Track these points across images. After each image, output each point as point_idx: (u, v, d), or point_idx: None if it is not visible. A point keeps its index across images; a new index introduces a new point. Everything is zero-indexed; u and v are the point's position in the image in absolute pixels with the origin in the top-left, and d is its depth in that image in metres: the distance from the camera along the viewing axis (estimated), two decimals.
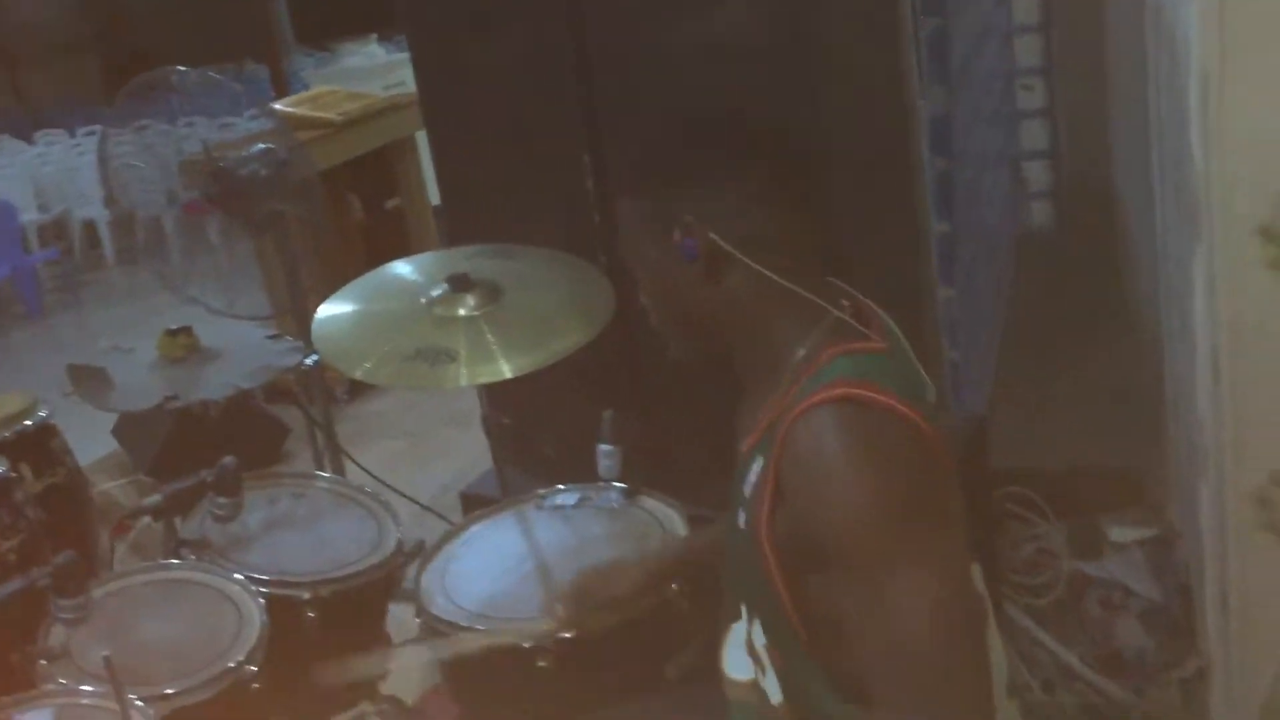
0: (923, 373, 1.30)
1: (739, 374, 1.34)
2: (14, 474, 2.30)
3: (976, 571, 1.28)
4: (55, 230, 7.28)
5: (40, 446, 2.53)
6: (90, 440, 3.39)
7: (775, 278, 1.22)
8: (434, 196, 5.06)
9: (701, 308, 1.27)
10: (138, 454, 3.69)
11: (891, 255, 2.54)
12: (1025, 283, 4.14)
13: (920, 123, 2.67)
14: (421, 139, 5.12)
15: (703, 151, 1.26)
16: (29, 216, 7.01)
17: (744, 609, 1.32)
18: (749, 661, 1.32)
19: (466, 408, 4.06)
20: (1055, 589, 2.68)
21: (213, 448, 1.95)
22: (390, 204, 4.86)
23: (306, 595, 1.83)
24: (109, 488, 3.44)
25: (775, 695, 1.29)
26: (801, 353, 1.23)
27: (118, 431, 3.77)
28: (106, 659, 1.07)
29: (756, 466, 1.24)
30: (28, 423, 2.51)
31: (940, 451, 1.20)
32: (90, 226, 7.23)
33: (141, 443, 3.67)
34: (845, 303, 1.28)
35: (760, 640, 1.29)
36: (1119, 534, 2.88)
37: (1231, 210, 1.27)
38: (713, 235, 1.22)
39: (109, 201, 6.96)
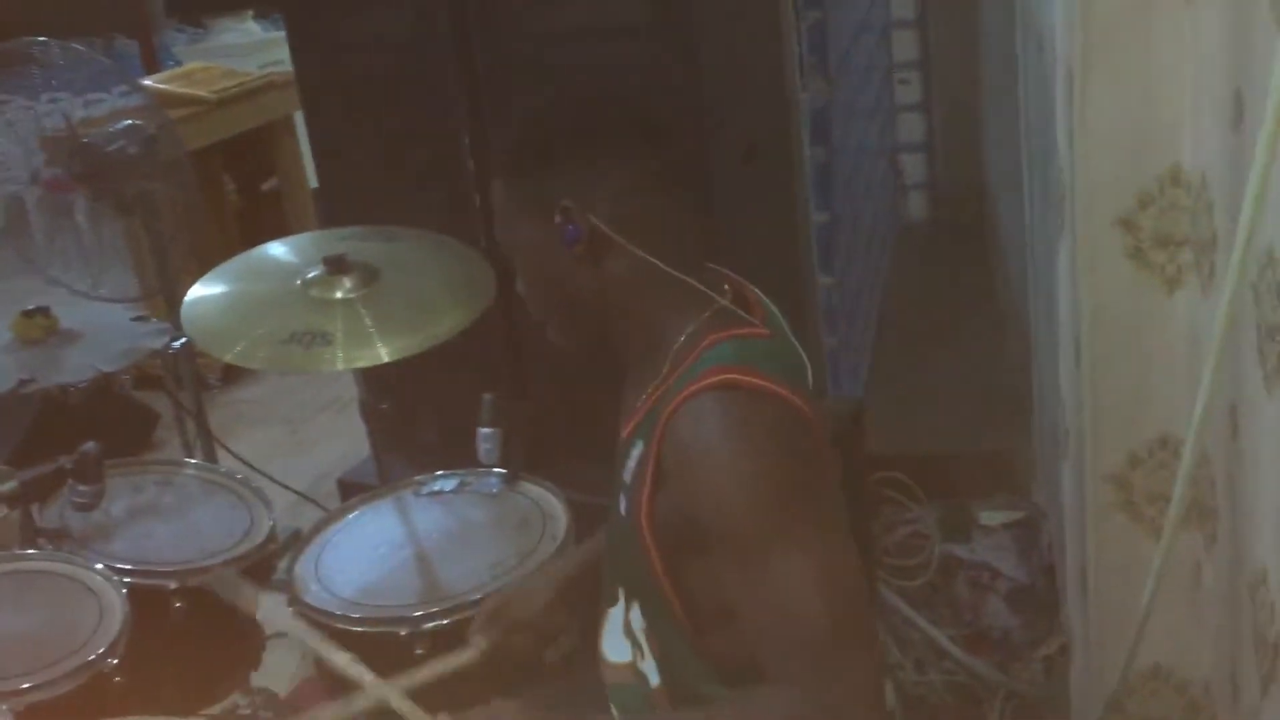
0: (803, 355, 1.32)
1: (619, 359, 1.34)
2: None
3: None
4: None
5: None
6: None
7: (658, 263, 1.22)
8: (313, 179, 4.97)
9: (581, 293, 1.25)
10: None
11: (772, 244, 2.58)
12: (901, 272, 4.25)
13: (801, 114, 2.71)
14: (300, 119, 5.01)
15: (584, 132, 1.24)
16: None
17: (621, 593, 1.32)
18: (627, 644, 1.32)
19: (345, 394, 3.98)
20: (927, 571, 2.75)
21: (78, 436, 1.87)
22: (267, 186, 4.75)
23: (173, 585, 1.76)
24: None
25: (653, 678, 1.30)
26: (682, 339, 1.23)
27: None
28: None
29: (636, 452, 1.24)
30: None
31: (820, 434, 1.22)
32: None
33: (0, 432, 3.52)
34: (727, 288, 1.29)
35: (639, 624, 1.29)
36: (988, 517, 2.97)
37: (1094, 201, 1.32)
38: (594, 219, 1.21)
39: None
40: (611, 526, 1.33)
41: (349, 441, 3.52)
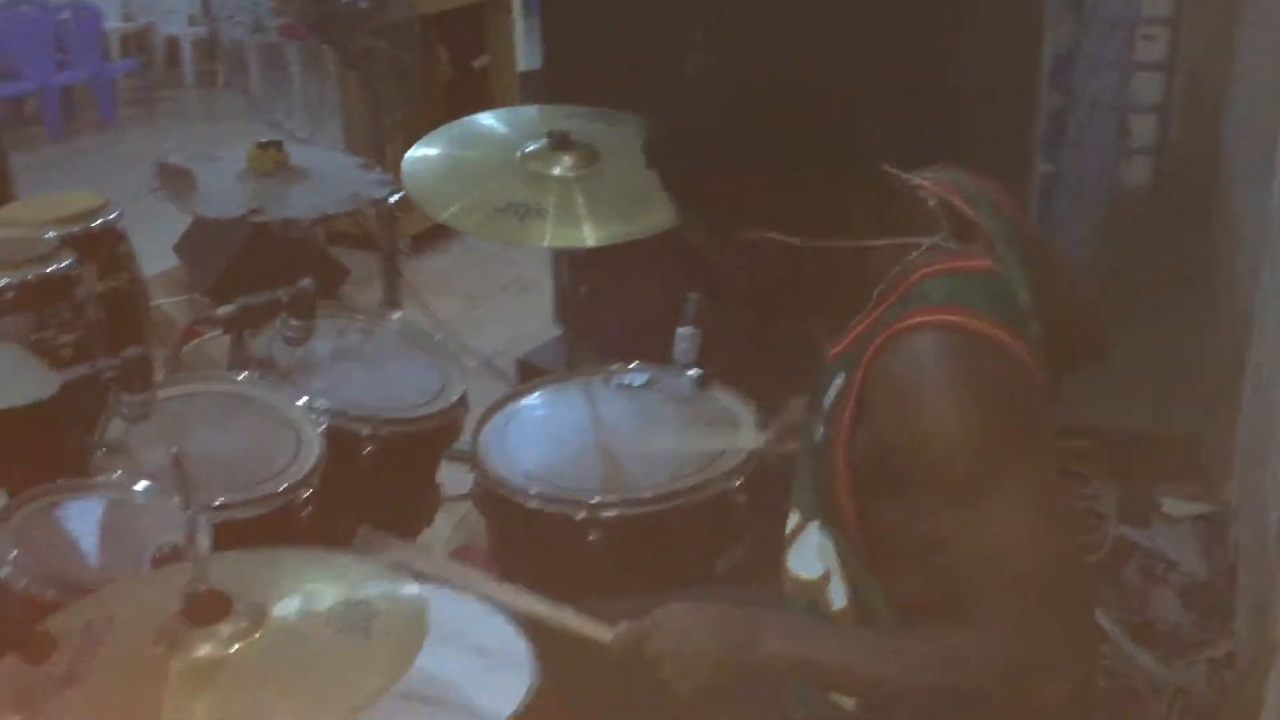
0: (1024, 290, 1.22)
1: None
2: (78, 270, 2.28)
3: None
4: (137, 42, 7.21)
5: (107, 249, 2.51)
6: (151, 255, 3.36)
7: (860, 243, 1.17)
8: (522, 61, 4.97)
9: (782, 288, 1.22)
10: (198, 273, 3.67)
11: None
12: (1112, 238, 4.03)
13: (1045, 53, 2.57)
14: (517, 1, 5.01)
15: (761, 163, 1.16)
16: (113, 24, 6.94)
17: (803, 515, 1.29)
18: (820, 563, 1.28)
19: (526, 274, 4.01)
20: (1098, 551, 2.63)
21: (276, 276, 1.91)
22: (478, 63, 4.75)
23: (365, 431, 1.79)
24: (165, 303, 3.42)
25: (839, 600, 1.26)
26: (894, 272, 1.17)
27: (181, 249, 3.75)
28: (175, 455, 1.04)
29: (837, 382, 1.20)
30: (98, 222, 2.49)
31: (1036, 381, 1.15)
32: (173, 43, 7.15)
33: (203, 263, 3.64)
34: (939, 210, 1.20)
35: (830, 548, 1.25)
36: (1172, 506, 2.82)
37: None
38: (775, 236, 1.16)
39: (195, 20, 6.88)
40: (804, 452, 1.29)
41: (525, 323, 3.54)
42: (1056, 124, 2.91)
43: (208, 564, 1.05)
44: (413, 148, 2.01)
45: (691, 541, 1.70)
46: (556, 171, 1.93)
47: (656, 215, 1.92)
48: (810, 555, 1.29)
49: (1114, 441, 2.87)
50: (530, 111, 2.23)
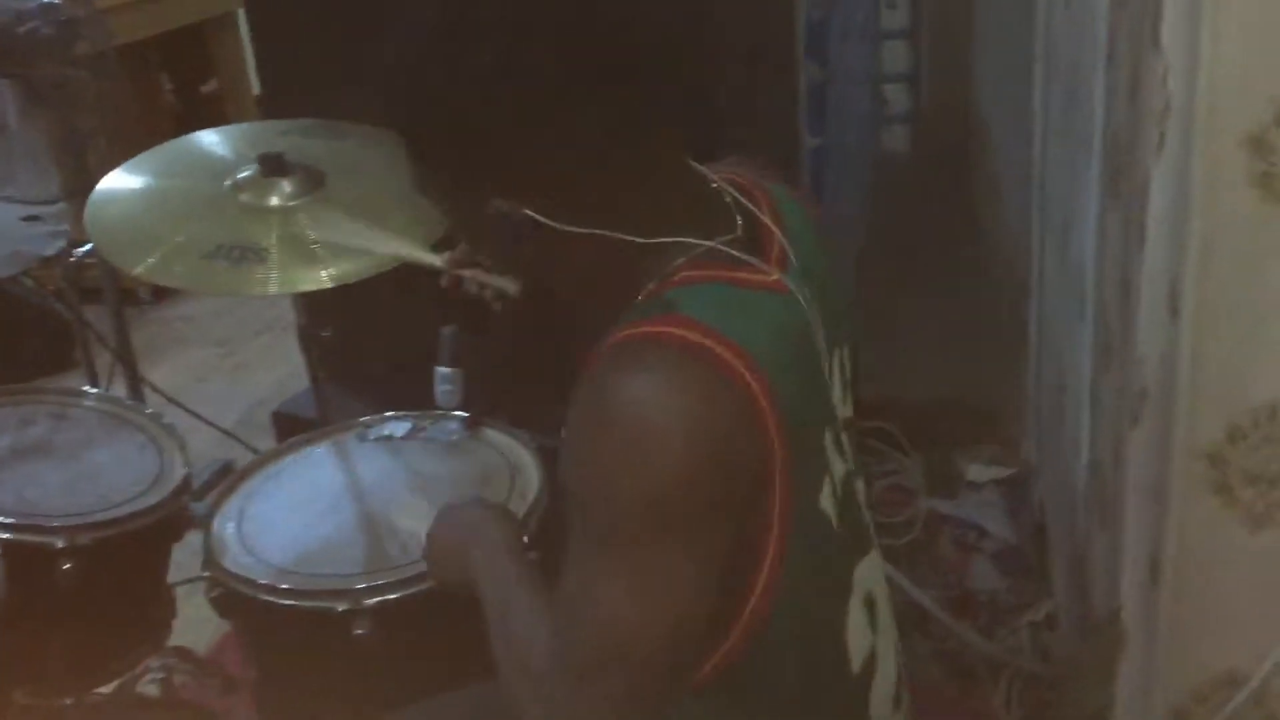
0: (810, 311, 0.99)
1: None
2: None
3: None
4: None
5: None
6: None
7: (626, 237, 0.96)
8: (258, 84, 4.66)
9: (536, 273, 1.06)
10: None
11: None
12: (879, 208, 4.01)
13: (799, 25, 2.50)
14: (243, 17, 4.67)
15: (510, 119, 0.95)
16: None
17: None
18: None
19: (287, 315, 3.66)
20: (913, 529, 2.59)
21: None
22: (206, 88, 4.41)
23: (60, 543, 1.47)
24: None
25: None
26: (664, 275, 0.97)
27: None
28: None
29: None
30: None
31: (771, 432, 0.91)
32: None
33: None
34: (741, 208, 1.01)
35: None
36: (975, 472, 2.83)
37: (1214, 119, 1.06)
38: (533, 215, 0.95)
39: None
40: None
41: (289, 369, 3.26)
42: (818, 96, 2.83)
43: None
44: (103, 181, 1.70)
45: (480, 629, 1.46)
46: (275, 201, 1.67)
47: (400, 240, 1.69)
48: None
49: (911, 412, 2.83)
50: (245, 130, 1.95)
